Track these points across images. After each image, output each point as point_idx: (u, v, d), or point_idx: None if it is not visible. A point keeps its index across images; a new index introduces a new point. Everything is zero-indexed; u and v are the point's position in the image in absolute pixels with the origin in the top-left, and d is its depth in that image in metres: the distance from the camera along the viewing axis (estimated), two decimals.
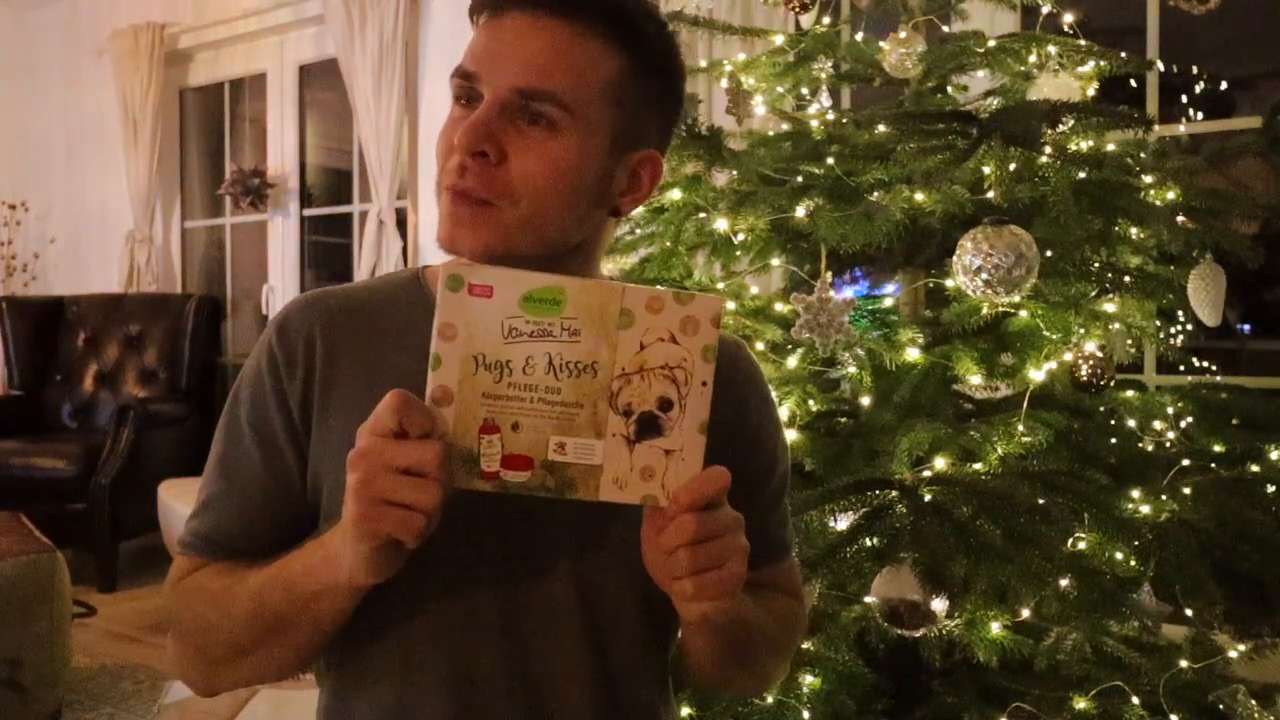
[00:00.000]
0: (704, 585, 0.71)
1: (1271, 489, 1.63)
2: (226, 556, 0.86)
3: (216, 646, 0.84)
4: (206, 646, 0.85)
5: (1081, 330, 1.66)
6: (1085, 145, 1.69)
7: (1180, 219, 1.69)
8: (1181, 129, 2.85)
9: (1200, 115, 2.97)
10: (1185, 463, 1.67)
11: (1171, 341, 1.92)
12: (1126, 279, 1.72)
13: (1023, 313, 1.68)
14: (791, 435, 1.67)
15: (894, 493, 1.46)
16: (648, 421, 0.70)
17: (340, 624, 0.79)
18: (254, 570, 0.81)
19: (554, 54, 0.78)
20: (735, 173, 1.83)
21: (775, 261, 1.96)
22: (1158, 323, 1.87)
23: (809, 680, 1.57)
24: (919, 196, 1.55)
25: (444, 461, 0.67)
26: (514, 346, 0.68)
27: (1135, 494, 1.58)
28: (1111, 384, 1.66)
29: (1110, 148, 1.75)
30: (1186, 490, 1.60)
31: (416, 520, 0.67)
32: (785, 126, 2.09)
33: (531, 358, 0.69)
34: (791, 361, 1.76)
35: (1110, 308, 1.72)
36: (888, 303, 1.88)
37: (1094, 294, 1.74)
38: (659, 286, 0.72)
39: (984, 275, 1.47)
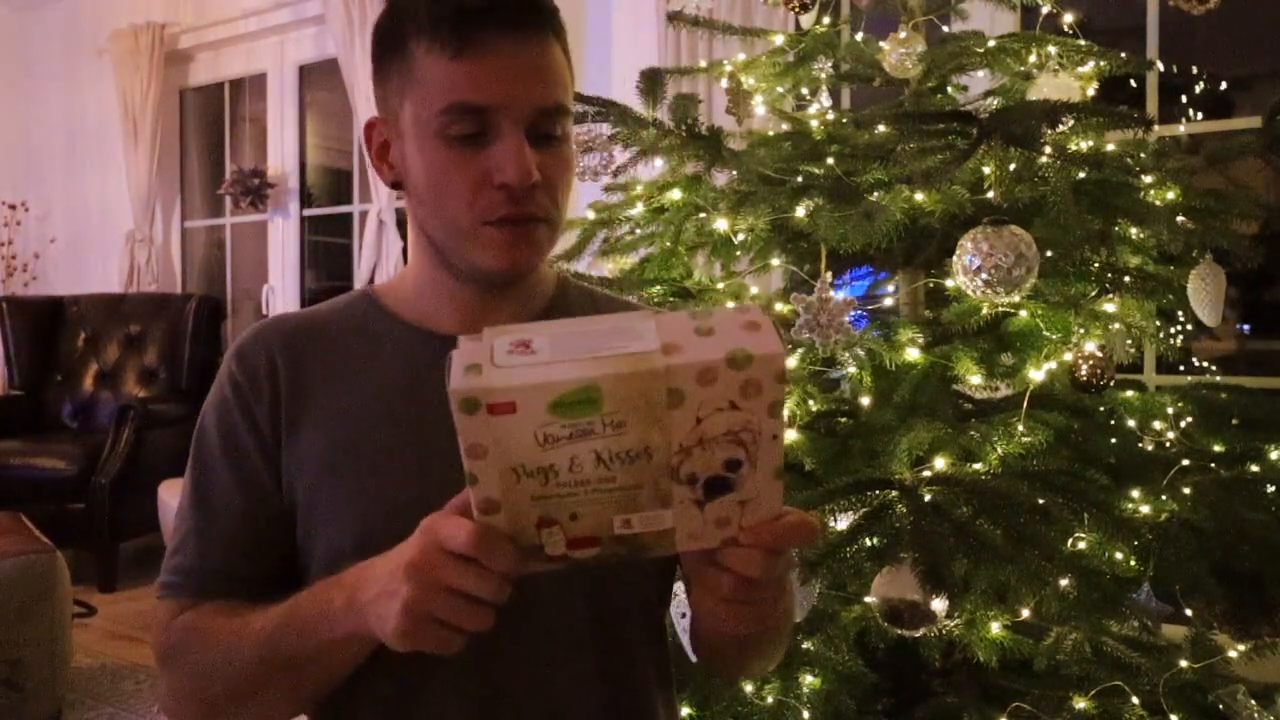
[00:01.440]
0: (736, 614, 0.70)
1: (1271, 489, 1.62)
2: (216, 591, 0.85)
3: (219, 690, 0.82)
4: (208, 690, 0.83)
5: (1081, 330, 1.66)
6: (1085, 145, 1.69)
7: (1180, 219, 1.69)
8: (1181, 129, 2.85)
9: (1200, 115, 2.97)
10: (1185, 463, 1.66)
11: (1171, 341, 1.91)
12: (1126, 279, 1.72)
13: (1023, 313, 1.67)
14: (791, 435, 1.67)
15: (894, 493, 1.46)
16: (716, 484, 0.63)
17: (356, 665, 0.79)
18: (258, 610, 0.80)
19: (551, 68, 0.82)
20: (735, 173, 1.83)
21: (775, 261, 1.96)
22: (1158, 323, 1.87)
23: (809, 680, 1.57)
24: (919, 196, 1.55)
25: (505, 593, 0.65)
26: (554, 451, 0.60)
27: (1135, 494, 1.57)
28: (1111, 384, 1.66)
29: (1110, 148, 1.75)
30: (1186, 490, 1.59)
31: (459, 641, 0.67)
32: (785, 126, 2.09)
33: (576, 457, 0.61)
34: (791, 361, 1.76)
35: (1110, 308, 1.72)
36: (888, 303, 1.88)
37: (1094, 294, 1.74)
38: (699, 333, 0.60)
39: (984, 275, 1.47)
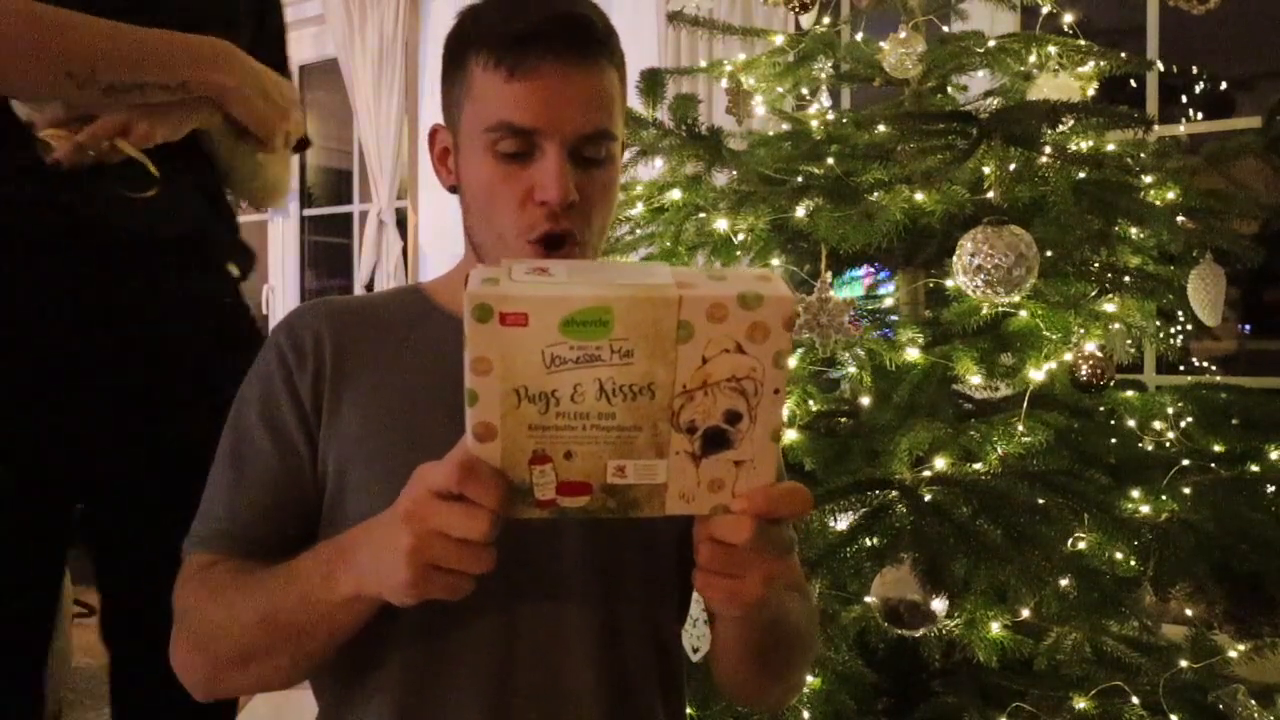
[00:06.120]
0: (711, 586, 0.69)
1: (1271, 489, 1.63)
2: (240, 551, 0.87)
3: (224, 649, 0.83)
4: (213, 649, 0.83)
5: (1081, 330, 1.66)
6: (1085, 145, 1.69)
7: (1180, 219, 1.69)
8: (1181, 129, 2.85)
9: (1200, 115, 2.97)
10: (1185, 463, 1.67)
11: (1171, 341, 1.92)
12: (1126, 279, 1.72)
13: (1023, 313, 1.68)
14: (791, 435, 1.67)
15: (894, 493, 1.46)
16: (714, 436, 0.64)
17: (356, 632, 0.79)
18: (266, 572, 0.81)
19: (599, 95, 0.85)
20: (735, 173, 1.83)
21: (775, 261, 1.96)
22: (1158, 323, 1.87)
23: (809, 680, 1.57)
24: (919, 196, 1.55)
25: (496, 529, 0.65)
26: (558, 375, 0.61)
27: (1135, 494, 1.58)
28: (1111, 384, 1.66)
29: (1110, 148, 1.75)
30: (1186, 490, 1.59)
31: (466, 584, 0.68)
32: (785, 126, 2.09)
33: (580, 385, 0.61)
34: (791, 361, 1.76)
35: (1110, 308, 1.72)
36: (888, 303, 1.88)
37: (1094, 294, 1.74)
38: (711, 278, 0.62)
39: (984, 275, 1.47)
